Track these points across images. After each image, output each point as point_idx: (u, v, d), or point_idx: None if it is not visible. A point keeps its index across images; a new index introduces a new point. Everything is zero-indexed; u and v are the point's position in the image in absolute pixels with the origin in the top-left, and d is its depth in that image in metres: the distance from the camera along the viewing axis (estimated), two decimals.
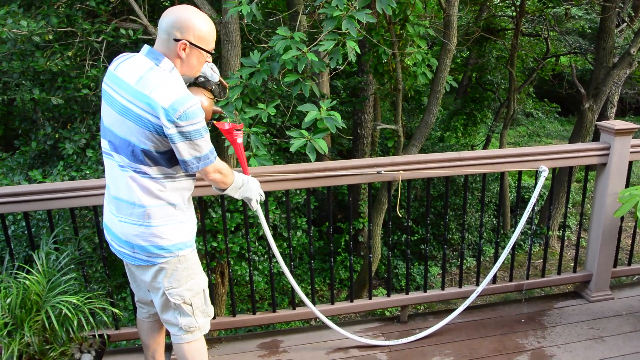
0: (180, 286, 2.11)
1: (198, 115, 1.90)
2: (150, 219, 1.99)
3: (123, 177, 1.99)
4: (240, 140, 2.29)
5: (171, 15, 1.93)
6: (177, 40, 1.92)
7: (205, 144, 1.97)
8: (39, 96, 5.23)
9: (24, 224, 5.42)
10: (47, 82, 5.63)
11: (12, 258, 2.54)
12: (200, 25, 1.95)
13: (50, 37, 4.84)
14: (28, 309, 2.15)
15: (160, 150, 1.93)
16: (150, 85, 1.87)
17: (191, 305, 2.16)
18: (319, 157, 9.38)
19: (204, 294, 2.22)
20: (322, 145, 2.98)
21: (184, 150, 1.91)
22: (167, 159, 1.97)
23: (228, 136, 2.28)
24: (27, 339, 2.10)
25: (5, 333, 2.08)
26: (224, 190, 2.20)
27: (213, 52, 2.03)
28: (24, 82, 5.74)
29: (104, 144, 2.05)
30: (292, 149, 2.98)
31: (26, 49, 5.17)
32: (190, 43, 1.94)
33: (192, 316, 2.18)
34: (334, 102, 3.28)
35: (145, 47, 1.98)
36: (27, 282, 2.18)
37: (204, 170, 2.02)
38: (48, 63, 5.00)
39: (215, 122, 2.28)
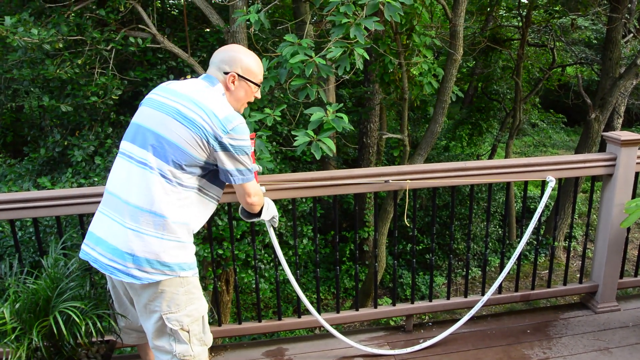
0: (179, 311, 2.04)
1: (247, 133, 2.02)
2: (165, 231, 1.95)
3: (149, 182, 1.92)
4: (252, 148, 2.32)
5: (221, 52, 2.12)
6: (226, 73, 2.08)
7: (249, 163, 2.07)
8: (49, 103, 5.28)
9: (31, 230, 5.46)
10: (56, 89, 5.68)
11: (21, 263, 2.56)
12: (246, 59, 2.11)
13: (61, 45, 4.90)
14: (36, 314, 2.16)
15: (199, 157, 1.97)
16: (206, 98, 1.99)
17: (188, 332, 2.08)
18: (325, 166, 9.36)
19: (203, 321, 2.14)
20: (329, 144, 2.92)
21: (227, 161, 2.00)
22: (201, 168, 2.01)
23: None
24: (35, 344, 2.11)
25: (13, 338, 2.09)
26: (257, 215, 2.27)
27: (260, 84, 2.18)
28: (33, 89, 5.80)
29: (132, 148, 1.99)
30: (297, 144, 2.90)
31: (36, 57, 5.23)
32: (239, 75, 2.08)
33: (188, 344, 2.09)
34: (341, 104, 3.28)
35: (204, 74, 2.13)
36: (35, 287, 2.19)
37: (243, 189, 2.09)
38: (58, 71, 5.06)
39: None
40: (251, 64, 2.11)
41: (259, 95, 2.20)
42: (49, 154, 5.81)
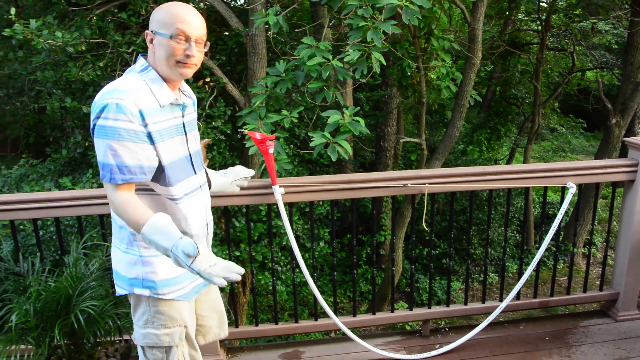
0: (136, 323, 1.92)
1: (112, 110, 1.59)
2: (117, 239, 1.88)
3: None
4: (271, 150, 2.32)
5: None
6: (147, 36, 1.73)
7: (112, 156, 1.62)
8: (71, 105, 5.37)
9: (52, 229, 5.54)
10: (78, 91, 5.79)
11: (43, 262, 2.61)
12: (157, 11, 1.70)
13: (83, 47, 4.98)
14: (57, 312, 2.20)
15: None
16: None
17: (145, 352, 1.94)
18: (342, 170, 9.37)
19: (170, 353, 1.91)
20: (346, 146, 2.92)
21: (96, 149, 1.65)
22: None
23: (260, 146, 2.32)
24: (56, 342, 2.15)
25: (36, 335, 2.13)
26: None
27: (187, 33, 1.67)
28: (55, 91, 5.91)
29: None
30: (313, 145, 2.89)
31: (59, 59, 5.33)
32: (153, 31, 1.68)
33: None
34: (358, 108, 3.28)
35: None
36: (57, 285, 2.23)
37: (106, 187, 1.69)
38: (80, 73, 5.15)
39: (247, 130, 2.32)
40: (160, 13, 1.67)
41: (192, 52, 1.67)
42: (71, 154, 5.91)
